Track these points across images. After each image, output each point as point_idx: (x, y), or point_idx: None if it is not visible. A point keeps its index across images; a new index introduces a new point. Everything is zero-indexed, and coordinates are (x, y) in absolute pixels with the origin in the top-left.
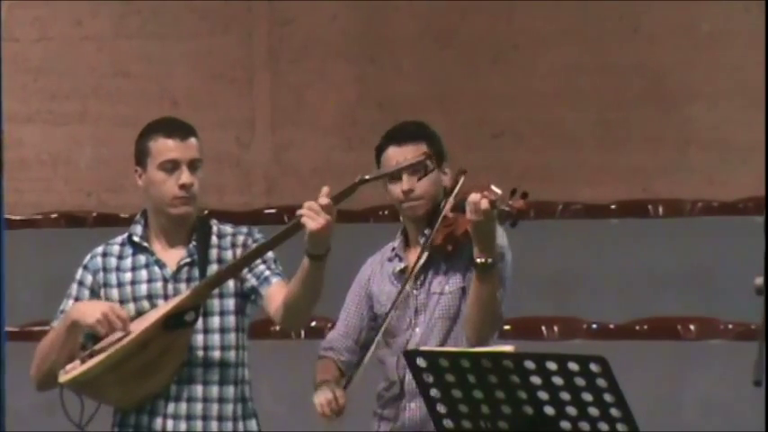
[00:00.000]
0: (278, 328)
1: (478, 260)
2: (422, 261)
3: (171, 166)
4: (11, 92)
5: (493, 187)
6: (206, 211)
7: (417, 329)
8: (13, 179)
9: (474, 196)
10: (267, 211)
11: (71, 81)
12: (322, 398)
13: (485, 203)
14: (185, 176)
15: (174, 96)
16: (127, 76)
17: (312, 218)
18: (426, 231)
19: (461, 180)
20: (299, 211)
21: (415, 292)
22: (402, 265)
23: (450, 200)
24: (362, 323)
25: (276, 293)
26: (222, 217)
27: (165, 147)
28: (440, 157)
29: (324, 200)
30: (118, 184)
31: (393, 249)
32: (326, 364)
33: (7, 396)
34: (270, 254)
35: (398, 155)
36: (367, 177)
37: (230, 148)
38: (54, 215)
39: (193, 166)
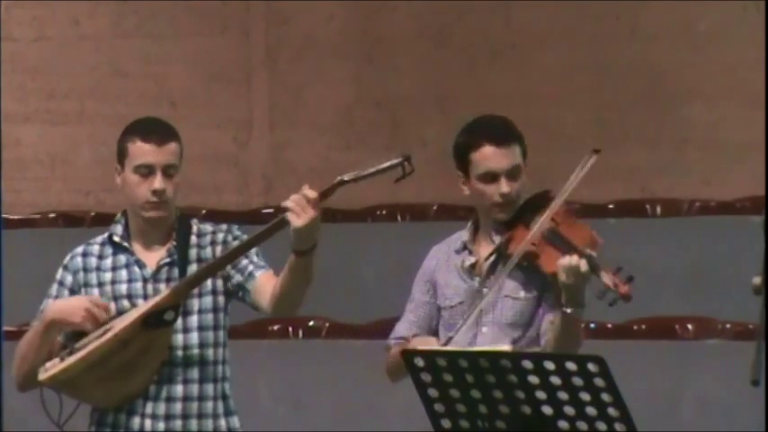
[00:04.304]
0: (276, 327)
1: (567, 310)
2: (491, 259)
3: (145, 171)
4: (8, 91)
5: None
6: (204, 211)
7: (484, 329)
8: (10, 179)
9: (569, 260)
10: (265, 210)
11: (69, 81)
12: (418, 341)
13: (584, 266)
14: (158, 182)
15: (171, 96)
16: (125, 76)
17: (298, 213)
18: (497, 231)
19: (592, 160)
20: (285, 203)
21: (484, 290)
22: (472, 260)
23: (543, 220)
24: (432, 312)
25: (264, 285)
26: (219, 216)
27: (140, 150)
28: (524, 155)
29: (311, 193)
30: (116, 184)
31: (462, 241)
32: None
33: (5, 395)
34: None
35: (497, 156)
36: (346, 179)
37: (228, 148)
38: (52, 215)
39: (169, 171)
